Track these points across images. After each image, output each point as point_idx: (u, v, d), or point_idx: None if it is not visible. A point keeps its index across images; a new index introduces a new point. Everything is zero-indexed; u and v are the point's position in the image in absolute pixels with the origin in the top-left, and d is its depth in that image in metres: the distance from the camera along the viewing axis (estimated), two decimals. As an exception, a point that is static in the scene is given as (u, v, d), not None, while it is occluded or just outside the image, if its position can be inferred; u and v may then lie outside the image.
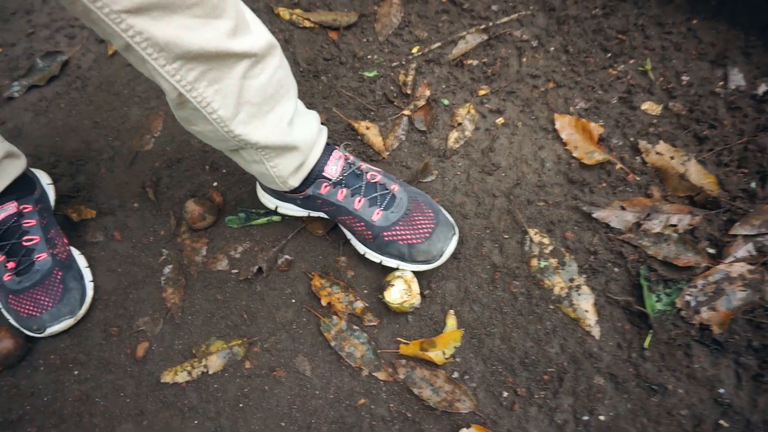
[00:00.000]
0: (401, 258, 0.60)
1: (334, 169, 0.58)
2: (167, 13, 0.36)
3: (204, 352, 0.61)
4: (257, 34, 0.45)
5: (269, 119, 0.48)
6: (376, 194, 0.59)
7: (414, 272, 0.61)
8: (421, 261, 0.59)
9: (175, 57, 0.39)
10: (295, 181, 0.57)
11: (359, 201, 0.58)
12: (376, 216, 0.59)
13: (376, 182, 0.59)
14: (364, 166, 0.61)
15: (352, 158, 0.60)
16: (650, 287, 0.59)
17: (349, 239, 0.64)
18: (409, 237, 0.58)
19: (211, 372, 0.59)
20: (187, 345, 0.62)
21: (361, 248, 0.63)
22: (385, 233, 0.59)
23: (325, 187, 0.58)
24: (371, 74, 0.80)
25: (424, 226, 0.59)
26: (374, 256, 0.62)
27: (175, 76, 0.40)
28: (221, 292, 0.65)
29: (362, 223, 0.59)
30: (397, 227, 0.58)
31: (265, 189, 0.65)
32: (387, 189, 0.60)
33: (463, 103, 0.76)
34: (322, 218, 0.67)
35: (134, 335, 0.63)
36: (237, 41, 0.41)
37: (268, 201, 0.66)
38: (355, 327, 0.61)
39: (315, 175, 0.58)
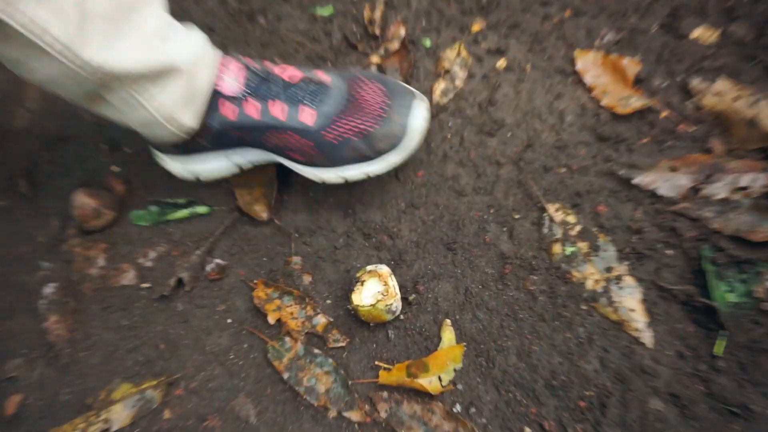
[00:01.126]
0: (364, 158, 0.54)
1: (234, 84, 0.52)
2: None
3: (104, 401, 0.54)
4: None
5: (131, 35, 0.44)
6: (297, 91, 0.53)
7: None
8: (387, 150, 0.53)
9: None
10: (189, 118, 0.51)
11: (279, 108, 0.52)
12: (307, 116, 0.52)
13: (295, 77, 0.53)
14: (277, 68, 0.55)
15: (254, 64, 0.54)
16: (718, 273, 0.52)
17: (298, 171, 0.58)
18: (359, 125, 0.52)
19: (115, 429, 0.52)
20: (79, 393, 0.55)
21: (314, 174, 0.56)
22: (327, 131, 0.53)
23: (230, 108, 0.52)
24: (326, 12, 0.72)
25: (374, 103, 0.53)
26: (333, 175, 0.56)
27: None
28: (127, 315, 0.58)
29: (296, 135, 0.53)
30: (340, 118, 0.53)
31: (166, 151, 0.58)
32: (312, 80, 0.54)
33: (450, 44, 0.68)
34: (263, 196, 0.60)
35: (1, 386, 0.56)
36: None
37: (180, 168, 0.59)
38: (316, 351, 0.54)
39: (214, 103, 0.52)
